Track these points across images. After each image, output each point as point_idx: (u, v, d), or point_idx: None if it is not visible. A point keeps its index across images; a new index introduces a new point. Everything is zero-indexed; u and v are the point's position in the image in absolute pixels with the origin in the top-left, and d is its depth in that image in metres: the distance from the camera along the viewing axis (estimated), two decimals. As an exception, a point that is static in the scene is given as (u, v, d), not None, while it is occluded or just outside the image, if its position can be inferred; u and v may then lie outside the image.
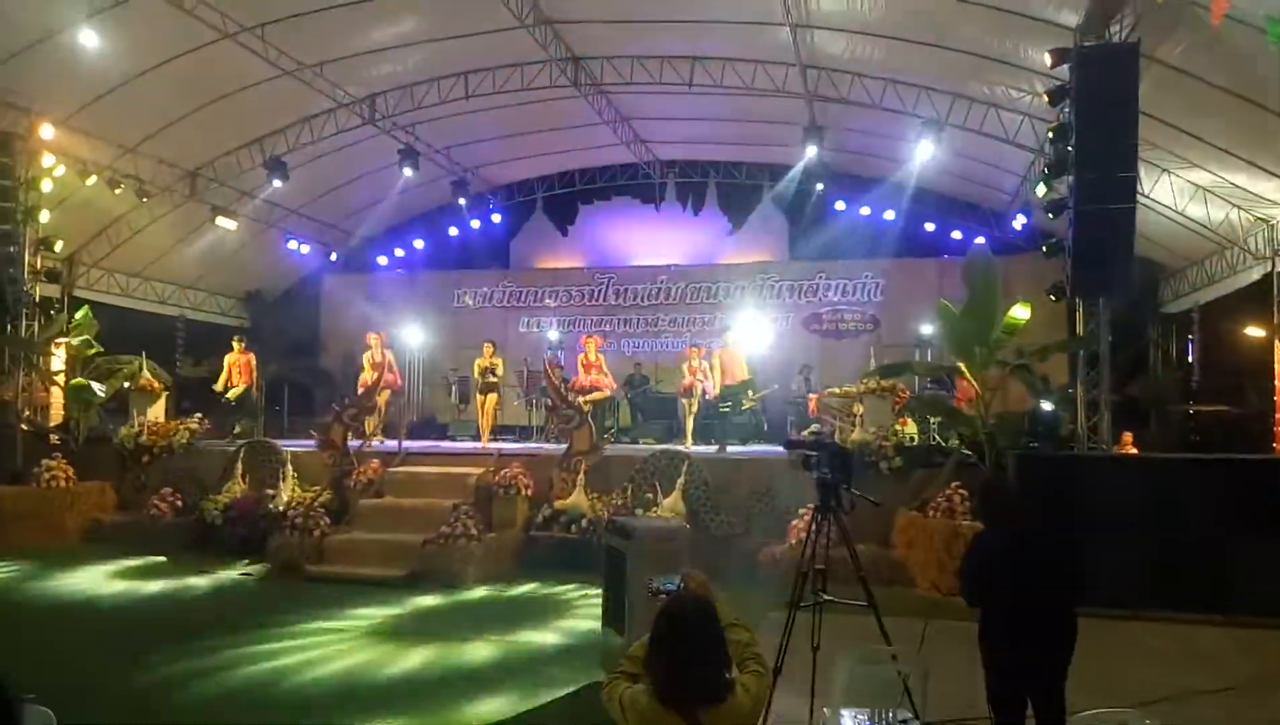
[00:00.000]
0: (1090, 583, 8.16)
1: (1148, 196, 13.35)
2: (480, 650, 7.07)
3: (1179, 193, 13.30)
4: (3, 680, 2.18)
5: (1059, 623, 3.92)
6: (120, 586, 9.37)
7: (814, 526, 4.99)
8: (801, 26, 12.70)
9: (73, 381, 12.88)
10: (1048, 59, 10.14)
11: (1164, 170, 13.07)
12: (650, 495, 10.55)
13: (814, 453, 5.02)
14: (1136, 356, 17.35)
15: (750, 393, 13.89)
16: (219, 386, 13.97)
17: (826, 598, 4.96)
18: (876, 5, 11.98)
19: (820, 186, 17.26)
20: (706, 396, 12.77)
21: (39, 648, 6.96)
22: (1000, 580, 3.93)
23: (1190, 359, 16.66)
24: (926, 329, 15.42)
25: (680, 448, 11.76)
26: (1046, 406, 9.90)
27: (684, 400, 13.05)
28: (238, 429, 13.72)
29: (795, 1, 12.05)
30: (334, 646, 7.11)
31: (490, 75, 14.88)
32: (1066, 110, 10.22)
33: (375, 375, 12.70)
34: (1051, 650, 3.89)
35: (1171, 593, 8.21)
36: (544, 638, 7.42)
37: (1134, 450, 12.81)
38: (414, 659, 6.79)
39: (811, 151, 15.35)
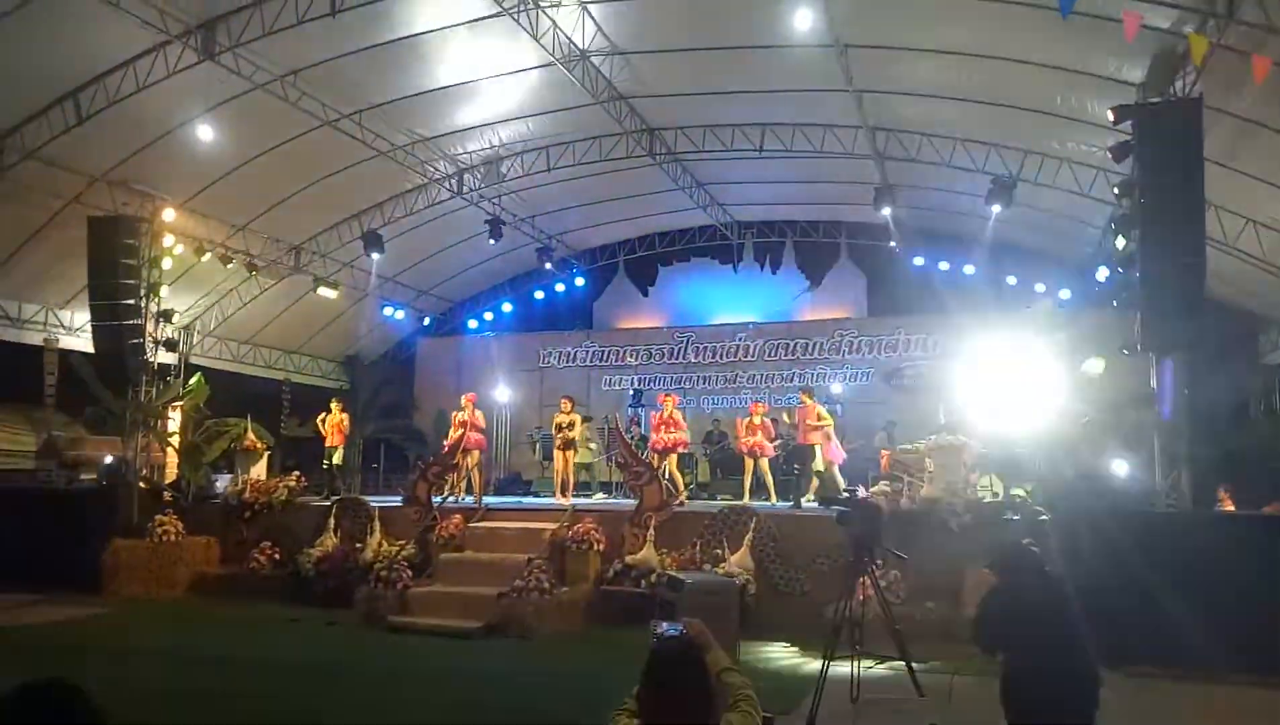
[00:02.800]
0: (1167, 644, 8.05)
1: (1234, 248, 13.07)
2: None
3: (1266, 243, 12.96)
4: (93, 705, 2.08)
5: (1072, 675, 3.99)
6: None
7: (848, 581, 5.15)
8: (867, 92, 13.03)
9: (184, 443, 13.95)
10: (1110, 116, 10.15)
11: (1248, 220, 12.79)
12: (719, 551, 10.71)
13: (847, 509, 5.21)
14: (1236, 410, 16.67)
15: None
16: (325, 458, 14.87)
17: (862, 651, 5.11)
18: (939, 70, 12.24)
19: (894, 244, 17.36)
20: (764, 455, 12.89)
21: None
22: (1013, 630, 4.04)
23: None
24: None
25: (751, 503, 11.92)
26: (1120, 463, 9.72)
27: (748, 459, 13.12)
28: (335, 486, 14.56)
29: (859, 70, 12.38)
30: None
31: (570, 148, 15.65)
32: (1133, 165, 10.19)
33: (459, 433, 13.27)
34: (1065, 702, 3.96)
35: (1253, 656, 7.92)
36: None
37: (1231, 507, 12.33)
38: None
39: (886, 210, 15.57)
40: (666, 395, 13.88)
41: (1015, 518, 9.98)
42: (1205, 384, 12.76)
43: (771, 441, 13.31)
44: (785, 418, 14.95)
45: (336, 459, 14.92)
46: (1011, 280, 18.16)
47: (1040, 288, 17.99)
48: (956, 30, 11.20)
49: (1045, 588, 4.15)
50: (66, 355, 15.49)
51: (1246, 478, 14.63)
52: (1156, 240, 9.51)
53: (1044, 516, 9.69)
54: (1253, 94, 9.99)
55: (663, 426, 13.12)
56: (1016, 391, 12.67)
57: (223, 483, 14.13)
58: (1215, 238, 12.28)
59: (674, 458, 13.12)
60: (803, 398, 13.35)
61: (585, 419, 16.01)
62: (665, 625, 3.36)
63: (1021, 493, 10.91)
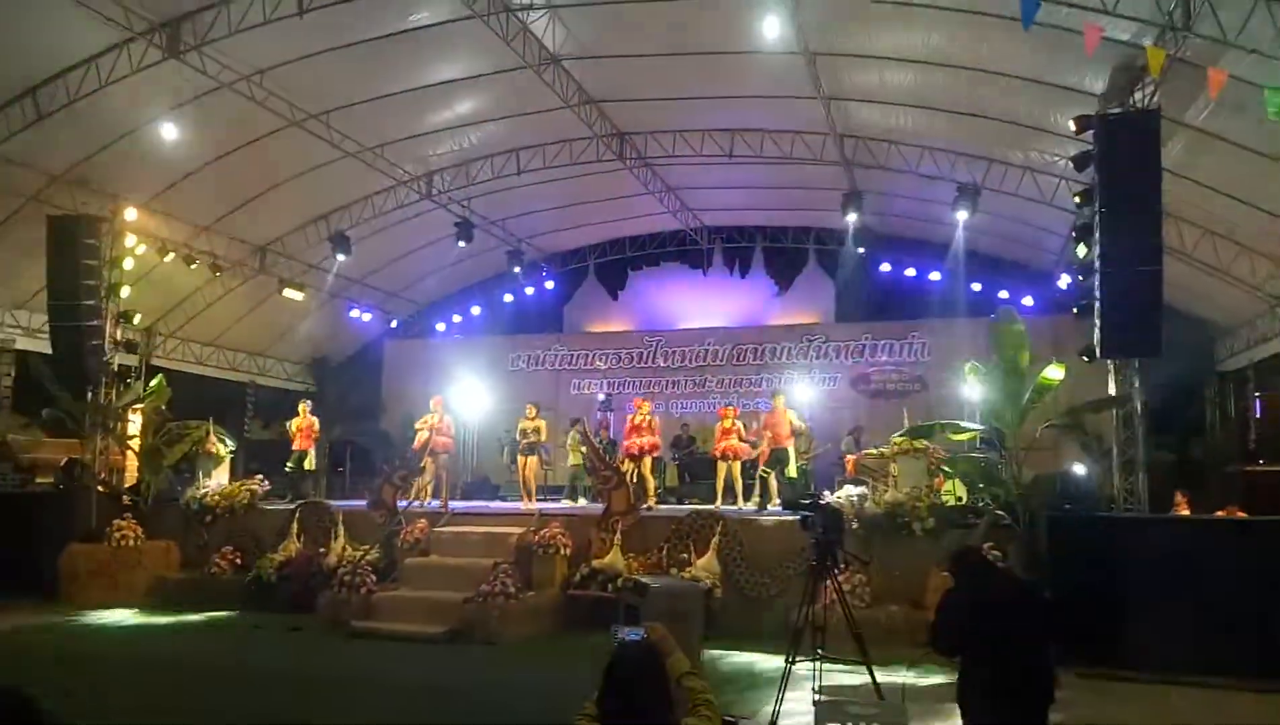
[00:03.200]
0: (1124, 646, 8.19)
1: (1191, 257, 13.36)
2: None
3: (1222, 251, 13.25)
4: (44, 712, 2.12)
5: (1029, 675, 4.06)
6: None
7: (810, 585, 5.19)
8: (835, 99, 13.15)
9: (145, 446, 13.73)
10: (1072, 126, 10.33)
11: (1205, 230, 13.07)
12: (685, 555, 10.74)
13: (810, 513, 5.25)
14: (1194, 416, 17.04)
15: (800, 453, 14.00)
16: (291, 461, 14.61)
17: (824, 654, 5.15)
18: (906, 78, 12.40)
19: (862, 250, 17.52)
20: (739, 457, 12.92)
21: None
22: (969, 632, 4.10)
23: (1251, 417, 16.26)
24: (972, 389, 15.41)
25: (718, 508, 11.97)
26: (1078, 468, 9.87)
27: (722, 463, 13.13)
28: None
29: (828, 77, 12.51)
30: None
31: (540, 151, 15.63)
32: (1093, 174, 10.36)
33: (426, 436, 13.19)
34: (1022, 701, 4.02)
35: (1208, 658, 8.08)
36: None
37: (1188, 512, 12.56)
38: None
39: (852, 216, 15.70)
40: (642, 400, 13.94)
41: (977, 522, 10.10)
42: (1163, 390, 13.02)
43: (744, 441, 13.34)
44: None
45: (307, 463, 14.72)
46: (976, 287, 18.39)
47: (1004, 294, 18.20)
48: (923, 39, 11.35)
49: (998, 590, 4.21)
50: (23, 356, 15.20)
51: (1202, 483, 14.95)
52: (1116, 248, 9.68)
53: (1006, 521, 9.82)
54: (1209, 106, 10.23)
55: (635, 431, 13.16)
56: (978, 396, 12.86)
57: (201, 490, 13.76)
58: (1173, 246, 12.54)
59: (648, 461, 13.15)
60: (775, 401, 13.41)
61: (574, 421, 15.92)
62: (626, 630, 3.37)
63: (984, 497, 11.06)
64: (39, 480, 14.32)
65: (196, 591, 11.85)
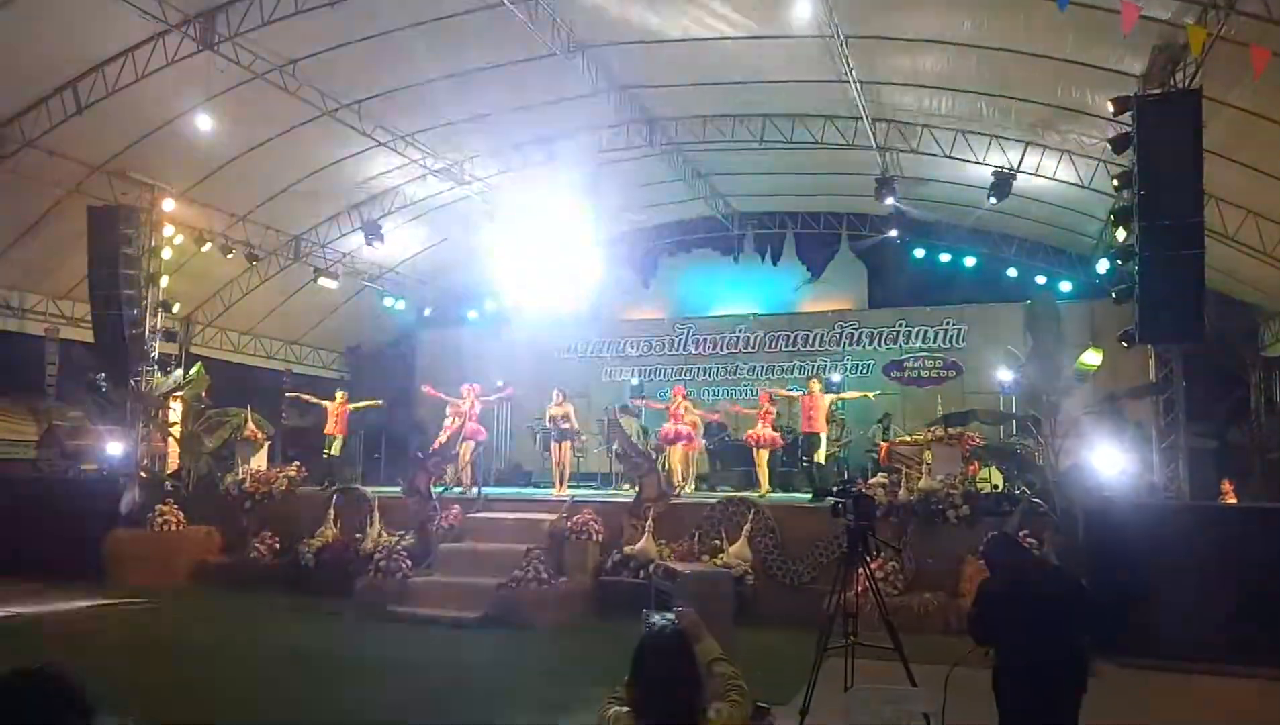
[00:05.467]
0: (1163, 635, 8.09)
1: (1234, 240, 13.05)
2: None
3: (1266, 234, 12.94)
4: (80, 692, 2.07)
5: (1063, 662, 4.03)
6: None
7: (842, 572, 5.18)
8: (867, 83, 12.99)
9: (185, 432, 14.00)
10: (1110, 108, 10.14)
11: (1249, 212, 12.77)
12: (717, 542, 10.76)
13: (841, 501, 5.23)
14: (1238, 402, 16.69)
15: (832, 441, 13.98)
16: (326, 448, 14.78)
17: (855, 641, 5.13)
18: (940, 61, 12.21)
19: (895, 233, 17.35)
20: (774, 446, 12.91)
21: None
22: (1005, 621, 4.07)
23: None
24: (1008, 375, 15.23)
25: (749, 495, 11.96)
26: (1120, 455, 9.75)
27: (758, 450, 13.13)
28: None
29: (859, 61, 12.35)
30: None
31: (571, 138, 15.59)
32: (1132, 157, 10.17)
33: (458, 423, 13.32)
34: (1057, 689, 3.99)
35: (1251, 647, 7.96)
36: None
37: (1234, 499, 12.37)
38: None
39: (885, 201, 15.53)
40: (679, 389, 14.04)
41: (1013, 509, 10.01)
42: (1204, 376, 12.78)
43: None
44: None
45: (334, 449, 14.89)
46: (1012, 272, 18.16)
47: (1041, 280, 17.97)
48: (957, 21, 11.16)
49: (1034, 578, 4.18)
50: (68, 345, 15.51)
51: (1246, 470, 14.67)
52: (1156, 232, 9.51)
53: (1042, 508, 9.72)
54: (1253, 85, 9.97)
55: (673, 418, 13.24)
56: (1014, 383, 12.72)
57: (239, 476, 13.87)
58: (1215, 229, 12.26)
59: (678, 449, 13.19)
60: (811, 386, 13.38)
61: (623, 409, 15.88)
62: (657, 616, 3.37)
63: (1020, 484, 10.96)
64: (84, 467, 14.66)
65: (237, 575, 12.11)
